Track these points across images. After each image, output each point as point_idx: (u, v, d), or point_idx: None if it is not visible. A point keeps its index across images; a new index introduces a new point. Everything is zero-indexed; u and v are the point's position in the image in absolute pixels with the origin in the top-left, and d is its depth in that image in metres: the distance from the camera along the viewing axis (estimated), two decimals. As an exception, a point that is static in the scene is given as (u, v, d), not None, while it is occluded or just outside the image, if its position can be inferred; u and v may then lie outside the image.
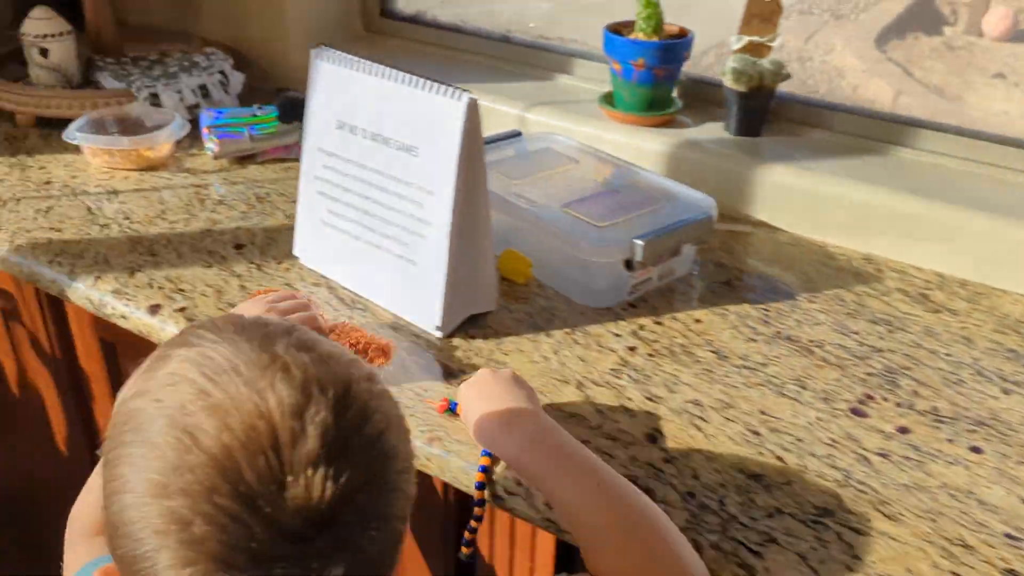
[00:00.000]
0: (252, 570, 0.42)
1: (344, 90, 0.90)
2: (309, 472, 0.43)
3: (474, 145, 0.82)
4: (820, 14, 1.45)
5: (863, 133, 1.20)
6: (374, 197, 0.90)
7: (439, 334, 0.89)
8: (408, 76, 0.84)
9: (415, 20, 1.61)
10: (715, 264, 1.05)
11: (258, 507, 0.43)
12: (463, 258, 0.86)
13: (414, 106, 0.84)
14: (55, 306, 1.12)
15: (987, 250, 1.02)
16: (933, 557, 0.66)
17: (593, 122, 1.26)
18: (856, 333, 0.93)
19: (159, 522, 0.43)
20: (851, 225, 1.09)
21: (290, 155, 1.30)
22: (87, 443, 1.22)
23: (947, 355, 0.90)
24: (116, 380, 1.11)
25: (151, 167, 1.24)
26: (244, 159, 1.28)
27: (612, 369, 0.86)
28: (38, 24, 1.33)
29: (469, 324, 0.91)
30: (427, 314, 0.89)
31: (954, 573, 0.65)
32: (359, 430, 0.46)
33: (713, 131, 1.23)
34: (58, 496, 1.34)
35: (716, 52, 1.46)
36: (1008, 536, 0.69)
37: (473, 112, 0.81)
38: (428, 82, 0.83)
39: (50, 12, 1.34)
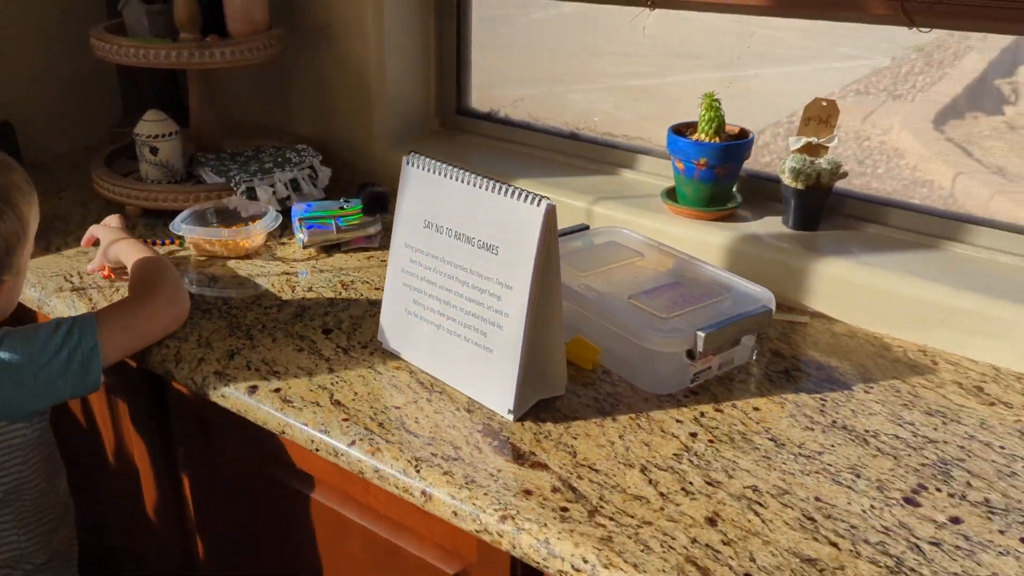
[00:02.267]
0: None
1: (432, 193, 0.99)
2: None
3: (550, 246, 0.90)
4: (877, 94, 1.51)
5: (919, 229, 1.25)
6: (456, 290, 0.98)
7: (511, 417, 0.96)
8: (493, 183, 0.93)
9: (488, 117, 1.72)
10: (773, 354, 1.11)
11: None
12: (536, 347, 0.94)
13: (497, 210, 0.93)
14: (156, 383, 1.22)
15: (1041, 344, 1.05)
16: (984, 645, 0.69)
17: (656, 216, 1.34)
18: (911, 424, 0.97)
19: None
20: (907, 318, 1.13)
21: (372, 245, 1.40)
22: (175, 512, 1.31)
23: (1001, 447, 0.93)
24: (210, 457, 1.20)
25: (246, 256, 1.36)
26: (331, 248, 1.39)
27: (674, 454, 0.91)
28: (150, 126, 1.47)
29: (540, 408, 0.98)
30: (501, 398, 0.96)
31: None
32: None
33: (772, 225, 1.29)
34: (144, 559, 1.42)
35: (772, 131, 1.53)
36: (1059, 627, 0.71)
37: (551, 217, 0.89)
38: (511, 188, 0.92)
39: (161, 115, 1.48)
